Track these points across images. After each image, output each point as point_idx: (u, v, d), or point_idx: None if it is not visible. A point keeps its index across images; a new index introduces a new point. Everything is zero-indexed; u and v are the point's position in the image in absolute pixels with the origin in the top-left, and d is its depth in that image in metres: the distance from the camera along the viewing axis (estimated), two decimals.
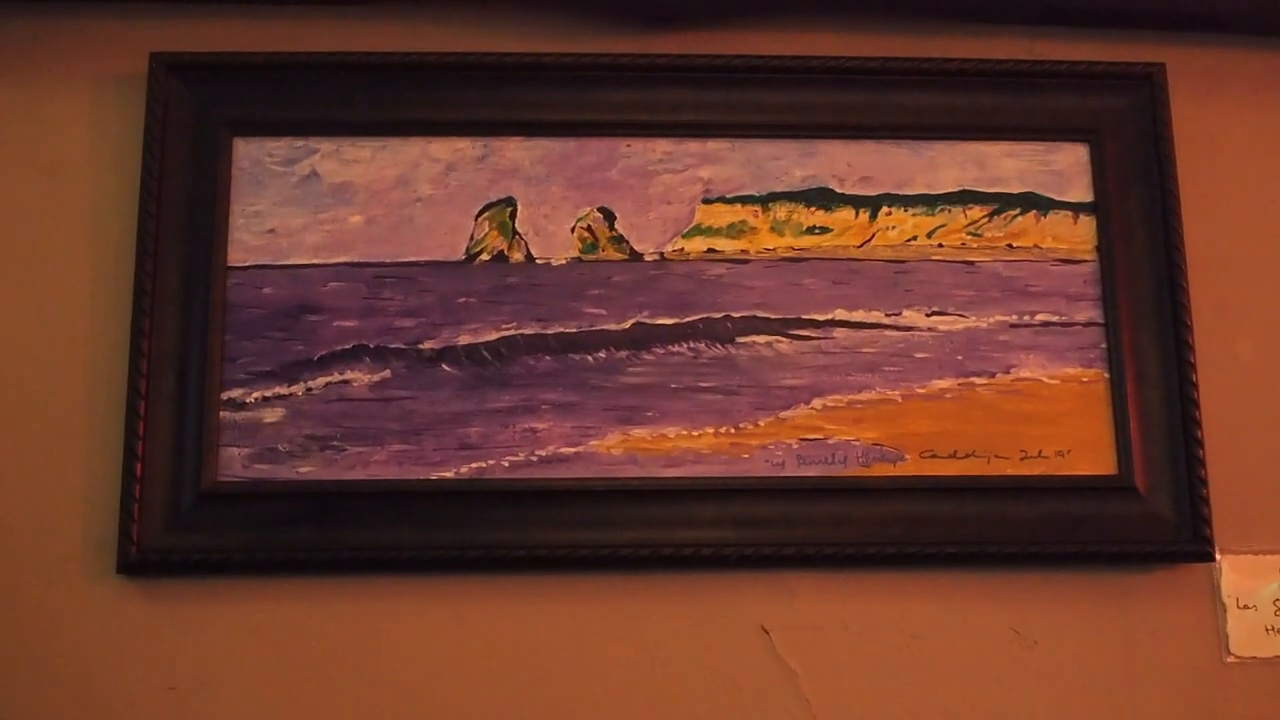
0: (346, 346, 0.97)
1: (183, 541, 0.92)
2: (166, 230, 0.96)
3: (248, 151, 0.99)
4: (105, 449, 0.92)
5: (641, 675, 0.93)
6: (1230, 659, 0.98)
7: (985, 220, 1.01)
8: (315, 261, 0.98)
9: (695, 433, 0.96)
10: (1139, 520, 0.98)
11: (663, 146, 1.02)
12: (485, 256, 0.98)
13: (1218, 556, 0.99)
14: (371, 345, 0.97)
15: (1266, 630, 0.97)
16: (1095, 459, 0.99)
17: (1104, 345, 1.01)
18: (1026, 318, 1.00)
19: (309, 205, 0.98)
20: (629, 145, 1.01)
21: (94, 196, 0.97)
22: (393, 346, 0.97)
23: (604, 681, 0.93)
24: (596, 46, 1.01)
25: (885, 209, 1.02)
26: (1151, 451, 0.99)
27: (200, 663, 0.91)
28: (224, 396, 0.95)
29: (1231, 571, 0.98)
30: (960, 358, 1.00)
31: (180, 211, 0.97)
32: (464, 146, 1.00)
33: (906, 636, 0.95)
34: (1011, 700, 0.95)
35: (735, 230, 1.00)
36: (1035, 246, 1.02)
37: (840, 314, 1.00)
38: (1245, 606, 0.98)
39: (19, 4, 0.98)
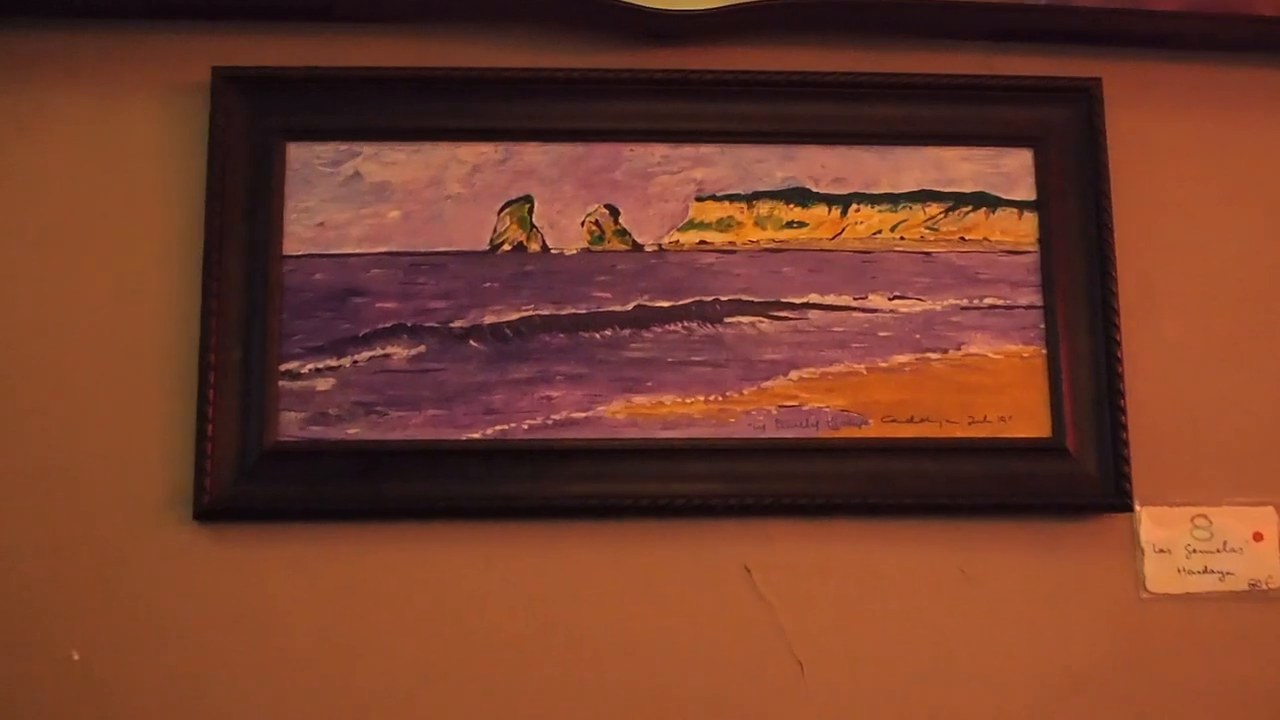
0: (387, 325, 1.07)
1: (248, 492, 1.03)
2: (229, 223, 1.06)
3: (299, 154, 1.08)
4: (182, 414, 1.02)
5: (641, 607, 1.05)
6: (1146, 595, 1.09)
7: (941, 216, 1.12)
8: (359, 251, 1.07)
9: (688, 400, 1.07)
10: (1069, 477, 1.09)
11: (661, 151, 1.11)
12: (506, 247, 1.08)
13: (1136, 508, 1.09)
14: (409, 324, 1.07)
15: (1178, 571, 1.10)
16: (1032, 424, 1.09)
17: (1042, 326, 1.11)
18: (976, 301, 1.10)
19: (353, 202, 1.08)
20: (631, 150, 1.10)
21: (165, 192, 1.07)
22: (427, 325, 1.07)
23: (609, 612, 1.05)
24: (603, 63, 1.10)
25: (854, 206, 1.11)
26: (1081, 418, 1.09)
27: (262, 597, 1.03)
28: (282, 368, 1.05)
29: (1148, 521, 1.10)
30: (918, 336, 1.10)
31: (241, 207, 1.06)
32: (488, 151, 1.09)
33: (869, 575, 1.07)
34: (959, 630, 1.07)
35: (724, 225, 1.10)
36: (985, 239, 1.12)
37: (814, 298, 1.10)
38: (1160, 551, 1.10)
39: (97, 21, 1.08)
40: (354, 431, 1.05)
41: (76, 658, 1.00)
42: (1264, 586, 1.09)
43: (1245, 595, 1.09)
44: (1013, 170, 1.12)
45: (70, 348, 1.04)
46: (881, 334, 1.10)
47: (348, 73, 1.09)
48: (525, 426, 1.06)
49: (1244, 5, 1.12)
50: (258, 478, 1.03)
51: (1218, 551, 1.09)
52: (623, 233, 1.10)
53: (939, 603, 1.08)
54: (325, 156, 1.08)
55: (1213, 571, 1.09)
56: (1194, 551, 1.09)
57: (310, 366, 1.05)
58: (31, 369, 1.04)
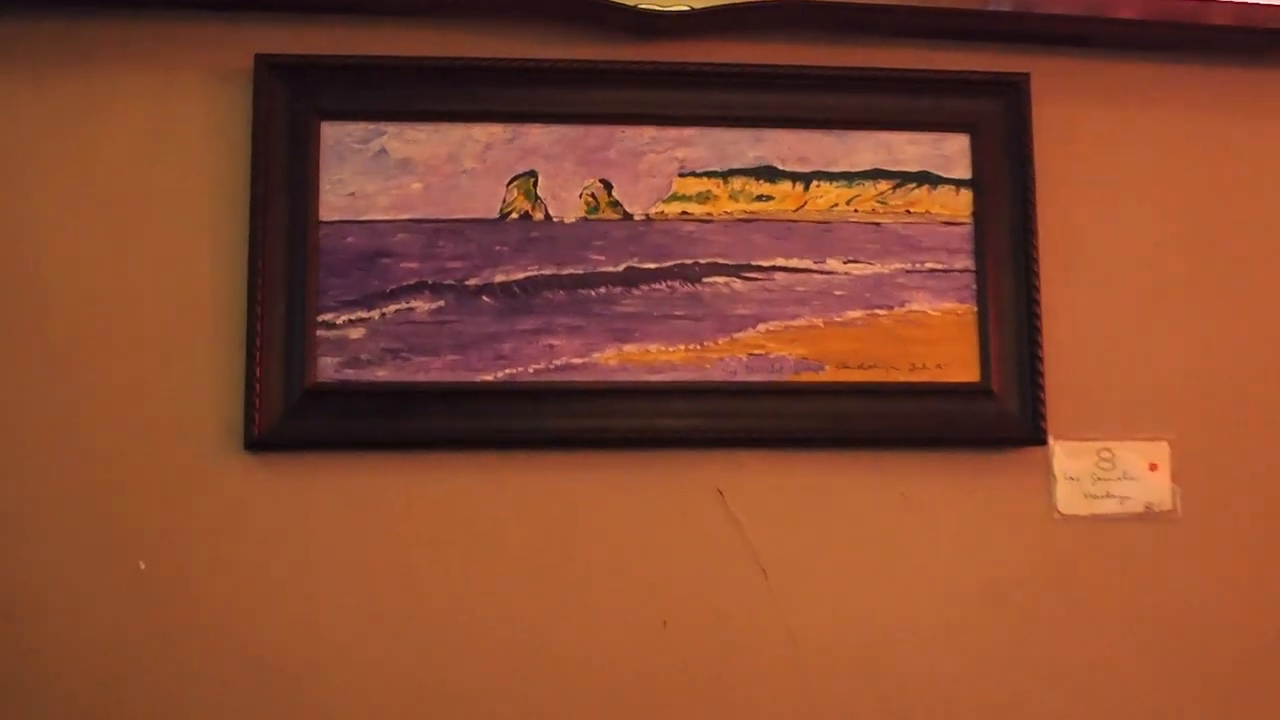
0: (411, 282, 1.19)
1: (291, 426, 1.16)
2: (271, 193, 1.17)
3: (332, 133, 1.20)
4: (234, 358, 1.15)
5: (629, 524, 1.20)
6: (1058, 516, 1.25)
7: (890, 192, 1.26)
8: (386, 218, 1.20)
9: (671, 348, 1.21)
10: (994, 415, 1.24)
11: (649, 133, 1.23)
12: (514, 215, 1.21)
13: (1050, 442, 1.25)
14: (430, 282, 1.19)
15: (1085, 496, 1.26)
16: (964, 370, 1.24)
17: (974, 287, 1.25)
18: (918, 265, 1.25)
19: (380, 175, 1.20)
20: (623, 132, 1.23)
21: (215, 167, 1.19)
22: (446, 283, 1.19)
23: (602, 528, 1.20)
24: (600, 55, 1.23)
25: (815, 183, 1.25)
26: (1005, 365, 1.24)
27: (303, 516, 1.17)
28: (320, 319, 1.17)
29: (1060, 453, 1.26)
30: (868, 295, 1.24)
31: (281, 179, 1.18)
32: (498, 131, 1.22)
33: (824, 498, 1.22)
34: (900, 546, 1.23)
35: (703, 197, 1.24)
36: (926, 212, 1.26)
37: (780, 261, 1.24)
38: (1071, 479, 1.26)
39: (148, 10, 1.19)
40: (382, 374, 1.18)
41: (143, 567, 1.14)
42: (1157, 509, 1.26)
43: (1141, 516, 1.26)
44: (951, 153, 1.26)
45: (137, 303, 1.17)
46: (837, 293, 1.24)
47: (376, 61, 1.20)
48: (531, 370, 1.19)
49: (1155, 12, 1.28)
50: (299, 414, 1.16)
51: (1119, 479, 1.26)
52: (615, 204, 1.23)
53: (883, 522, 1.23)
54: (355, 135, 1.20)
55: (1114, 496, 1.26)
56: (1099, 479, 1.26)
57: (344, 318, 1.18)
58: (105, 322, 1.16)
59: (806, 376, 1.22)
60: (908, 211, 1.26)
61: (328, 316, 1.18)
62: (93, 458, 1.15)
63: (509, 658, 1.17)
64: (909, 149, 1.26)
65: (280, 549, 1.16)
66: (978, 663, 1.22)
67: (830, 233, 1.25)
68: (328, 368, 1.17)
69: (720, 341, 1.22)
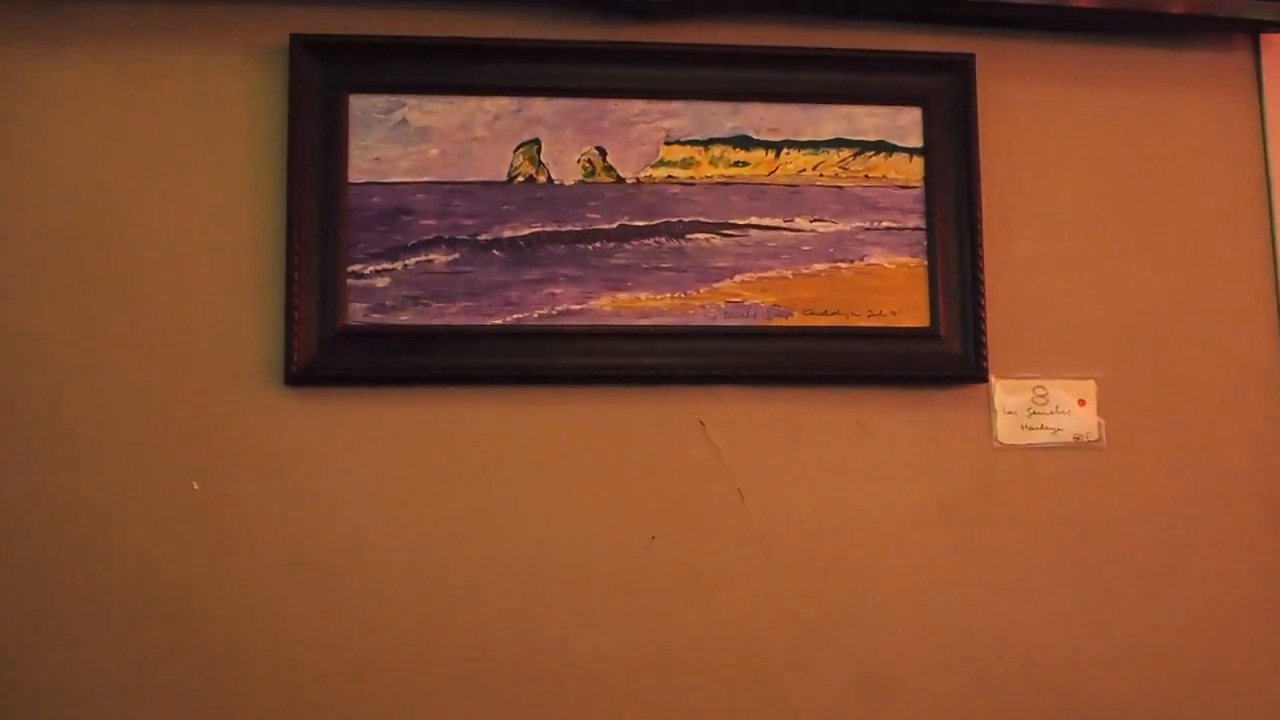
0: (429, 237, 1.31)
1: (325, 363, 1.28)
2: (306, 158, 1.29)
3: (359, 104, 1.31)
4: (275, 304, 1.29)
5: (622, 450, 1.33)
6: (997, 445, 1.39)
7: (851, 158, 1.38)
8: (406, 180, 1.31)
9: (658, 296, 1.33)
10: (941, 356, 1.36)
11: (639, 105, 1.34)
12: (520, 178, 1.33)
13: (991, 380, 1.38)
14: (446, 236, 1.31)
15: (1021, 427, 1.39)
16: (915, 316, 1.36)
17: (924, 243, 1.37)
18: (875, 224, 1.37)
19: (401, 142, 1.31)
20: (616, 104, 1.34)
21: (254, 134, 1.31)
22: (460, 237, 1.31)
23: (599, 455, 1.33)
24: (596, 36, 1.35)
25: (785, 150, 1.36)
26: (950, 312, 1.36)
27: (336, 443, 1.30)
28: (349, 269, 1.29)
29: (1000, 390, 1.39)
30: (831, 250, 1.36)
31: (315, 145, 1.29)
32: (505, 103, 1.33)
33: (792, 427, 1.36)
34: (858, 470, 1.37)
35: (686, 163, 1.35)
36: (883, 177, 1.37)
37: (754, 220, 1.36)
38: (1009, 412, 1.39)
39: None
40: (405, 318, 1.30)
41: (196, 487, 1.29)
42: (1084, 440, 1.40)
43: (1070, 446, 1.40)
44: (905, 124, 1.39)
45: (190, 255, 1.30)
46: (804, 248, 1.36)
47: (398, 40, 1.32)
48: (535, 315, 1.32)
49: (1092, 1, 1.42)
50: (332, 353, 1.29)
51: (1051, 413, 1.40)
52: (609, 168, 1.35)
53: (843, 449, 1.37)
54: (379, 106, 1.32)
55: (1047, 428, 1.40)
56: (1033, 413, 1.40)
57: (371, 268, 1.30)
58: (161, 272, 1.29)
59: (777, 321, 1.35)
60: (866, 176, 1.38)
61: (356, 267, 1.30)
62: (153, 391, 1.28)
63: (516, 566, 1.31)
64: (867, 120, 1.39)
65: (315, 470, 1.30)
66: (924, 570, 1.37)
67: (798, 195, 1.37)
68: (357, 312, 1.30)
69: (701, 290, 1.35)
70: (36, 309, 1.29)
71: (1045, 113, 1.45)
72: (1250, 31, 1.49)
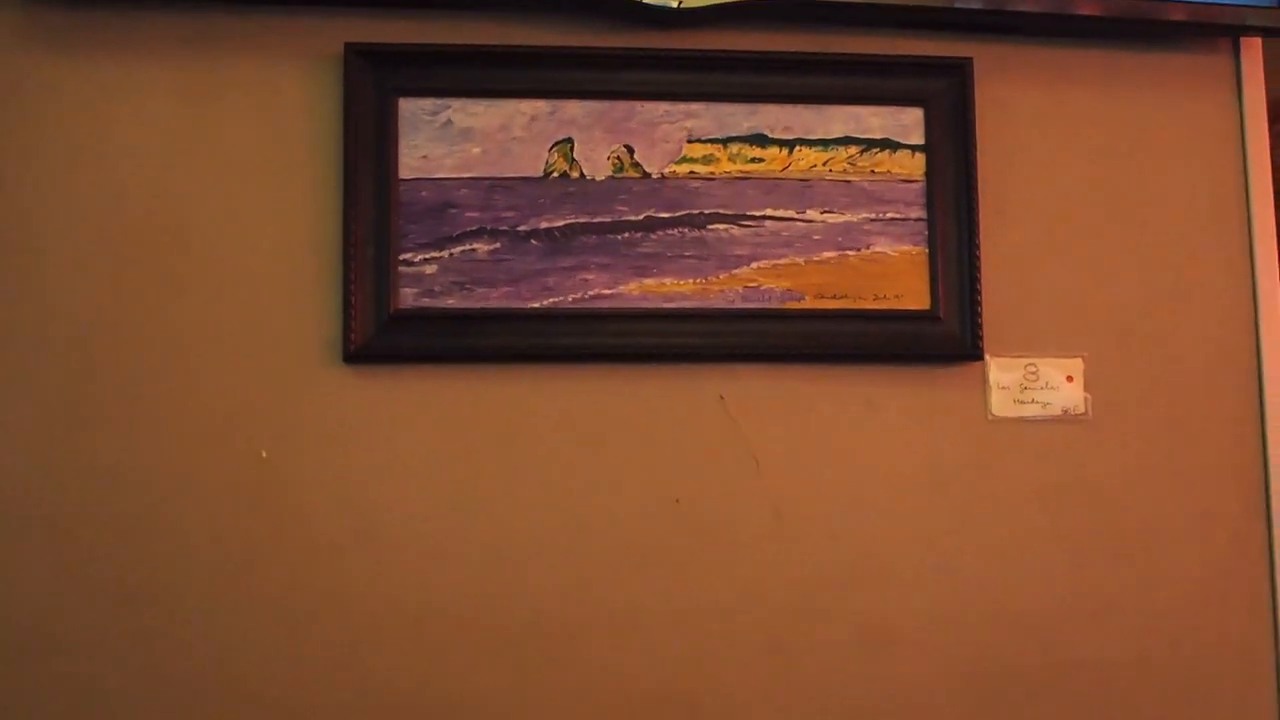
0: (473, 228, 1.41)
1: (379, 343, 1.39)
2: (360, 157, 1.40)
3: (407, 107, 1.42)
4: (334, 290, 1.40)
5: (649, 422, 1.44)
6: (991, 418, 1.50)
7: (858, 155, 1.48)
8: (451, 176, 1.42)
9: (682, 282, 1.44)
10: (941, 336, 1.47)
11: (664, 107, 1.45)
12: (555, 174, 1.43)
13: (986, 358, 1.49)
14: (488, 227, 1.42)
15: (1014, 401, 1.50)
16: (917, 300, 1.46)
17: (926, 233, 1.46)
18: (880, 215, 1.47)
19: (446, 141, 1.42)
20: (643, 106, 1.44)
21: (312, 136, 1.42)
22: (501, 228, 1.42)
23: (628, 426, 1.44)
24: (623, 43, 1.46)
25: (798, 148, 1.46)
26: (949, 296, 1.46)
27: (389, 415, 1.41)
28: (400, 258, 1.40)
29: (994, 367, 1.50)
30: (840, 239, 1.46)
31: (368, 145, 1.40)
32: (541, 105, 1.43)
33: (804, 401, 1.47)
34: (864, 441, 1.48)
35: (707, 160, 1.45)
36: (888, 172, 1.47)
37: (769, 211, 1.46)
38: (1003, 388, 1.50)
39: (258, 7, 1.42)
40: (451, 302, 1.41)
41: (265, 454, 1.42)
42: (1072, 413, 1.52)
43: (1059, 418, 1.52)
44: (908, 123, 1.48)
45: (255, 247, 1.42)
46: (815, 237, 1.46)
47: (443, 48, 1.42)
48: (570, 299, 1.43)
49: (1073, 6, 1.52)
50: (385, 333, 1.40)
51: (1041, 389, 1.51)
52: (636, 165, 1.45)
53: (851, 422, 1.48)
54: (426, 108, 1.42)
55: (1037, 402, 1.51)
56: (1025, 388, 1.51)
57: (420, 257, 1.41)
58: (231, 262, 1.41)
59: (790, 305, 1.46)
60: (872, 171, 1.48)
61: (407, 256, 1.42)
62: (226, 370, 1.41)
63: (554, 527, 1.44)
64: (873, 120, 1.49)
65: (371, 439, 1.42)
66: (923, 532, 1.49)
67: (810, 188, 1.48)
68: (407, 297, 1.41)
69: (721, 276, 1.45)
70: (123, 301, 1.41)
71: (1038, 113, 1.56)
72: (1230, 35, 1.60)
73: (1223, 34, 1.59)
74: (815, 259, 1.48)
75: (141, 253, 1.42)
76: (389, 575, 1.42)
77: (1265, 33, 1.59)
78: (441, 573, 1.43)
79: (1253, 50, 1.62)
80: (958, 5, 1.51)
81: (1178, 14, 1.54)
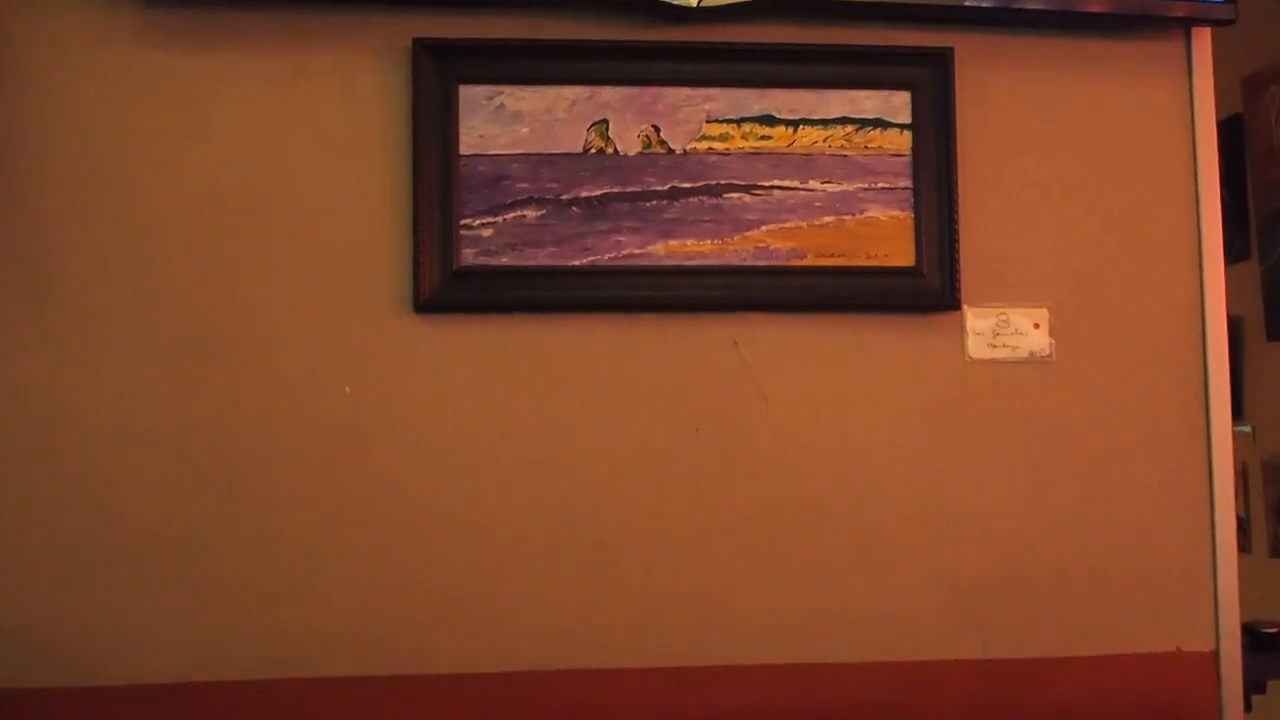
0: (523, 197, 1.60)
1: (444, 296, 1.59)
2: (426, 136, 1.58)
3: (466, 93, 1.60)
4: (405, 250, 1.60)
5: (674, 363, 1.64)
6: (968, 359, 1.68)
7: (854, 133, 1.66)
8: (504, 153, 1.61)
9: (701, 243, 1.63)
10: (924, 290, 1.65)
11: (686, 92, 1.62)
12: (593, 150, 1.61)
13: (964, 308, 1.67)
14: (535, 197, 1.60)
15: (988, 345, 1.69)
16: (904, 258, 1.64)
17: (912, 200, 1.64)
18: (873, 185, 1.65)
19: (500, 123, 1.61)
20: (668, 91, 1.62)
21: (385, 118, 1.60)
22: (546, 197, 1.60)
23: (656, 366, 1.64)
24: (650, 36, 1.62)
25: (801, 127, 1.64)
26: (931, 255, 1.64)
27: (452, 357, 1.61)
28: (461, 223, 1.59)
29: (971, 316, 1.68)
30: (838, 205, 1.64)
31: (433, 126, 1.57)
32: (581, 91, 1.61)
33: (806, 345, 1.66)
34: (857, 379, 1.67)
35: (723, 138, 1.63)
36: (880, 148, 1.65)
37: (777, 182, 1.64)
38: (978, 334, 1.69)
39: (334, 4, 1.63)
40: (505, 260, 1.60)
41: (348, 390, 1.66)
42: (1038, 356, 1.72)
43: (1026, 360, 1.71)
44: (897, 105, 1.66)
45: (337, 214, 1.62)
46: (816, 204, 1.65)
47: (496, 42, 1.60)
48: (606, 258, 1.61)
49: (1043, 1, 1.74)
50: (449, 287, 1.59)
51: (1012, 334, 1.71)
52: (663, 142, 1.62)
53: (847, 363, 1.67)
54: (482, 94, 1.60)
55: (1008, 346, 1.70)
56: (997, 334, 1.70)
57: (478, 222, 1.60)
58: (317, 228, 1.62)
59: (795, 262, 1.64)
60: (865, 147, 1.66)
61: (467, 221, 1.61)
62: (315, 319, 1.63)
63: (590, 451, 1.66)
64: (867, 102, 1.66)
65: (436, 377, 1.63)
66: (910, 458, 1.71)
67: (811, 162, 1.66)
68: (468, 256, 1.61)
69: (735, 238, 1.64)
70: (227, 261, 1.64)
71: (1012, 95, 1.73)
72: (1182, 26, 1.80)
73: (1175, 25, 1.80)
74: (816, 223, 1.67)
75: (241, 220, 1.65)
76: (450, 492, 1.65)
77: (1214, 23, 1.80)
78: (495, 491, 1.66)
79: (1202, 39, 1.81)
80: (941, 1, 1.72)
81: (1132, 7, 1.76)
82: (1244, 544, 3.74)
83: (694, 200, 1.66)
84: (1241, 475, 3.73)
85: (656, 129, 1.66)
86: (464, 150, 1.63)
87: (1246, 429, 3.63)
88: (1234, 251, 3.27)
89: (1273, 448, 3.56)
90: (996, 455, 1.73)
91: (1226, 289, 1.76)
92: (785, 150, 1.67)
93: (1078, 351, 1.74)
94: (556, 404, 1.67)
